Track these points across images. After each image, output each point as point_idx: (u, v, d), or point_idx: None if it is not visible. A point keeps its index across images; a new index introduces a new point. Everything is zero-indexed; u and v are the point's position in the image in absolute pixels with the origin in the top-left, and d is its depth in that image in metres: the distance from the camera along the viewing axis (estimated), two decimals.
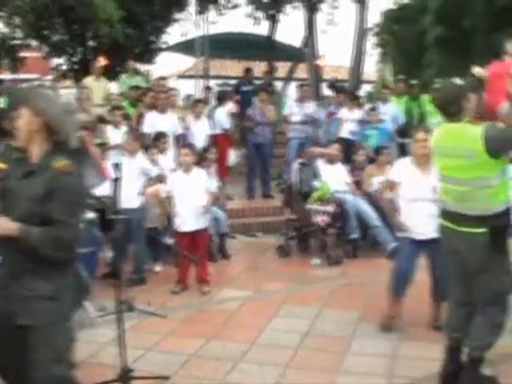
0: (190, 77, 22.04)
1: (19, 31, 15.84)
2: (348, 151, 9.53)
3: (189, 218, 6.96)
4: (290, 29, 23.23)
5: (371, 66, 25.03)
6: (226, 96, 12.08)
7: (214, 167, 8.60)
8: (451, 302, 4.63)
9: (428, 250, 5.59)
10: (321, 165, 8.75)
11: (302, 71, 21.82)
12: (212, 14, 19.37)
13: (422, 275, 5.71)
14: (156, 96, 10.26)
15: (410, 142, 5.81)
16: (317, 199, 8.15)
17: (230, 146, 11.19)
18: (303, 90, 11.64)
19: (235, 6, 19.91)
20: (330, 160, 8.80)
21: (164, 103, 9.92)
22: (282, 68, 21.58)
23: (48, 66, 18.46)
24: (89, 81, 11.63)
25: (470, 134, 4.13)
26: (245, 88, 13.83)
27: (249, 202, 11.09)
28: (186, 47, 20.19)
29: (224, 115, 11.17)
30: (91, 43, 15.87)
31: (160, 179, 7.73)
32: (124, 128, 8.87)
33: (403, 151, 9.81)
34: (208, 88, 13.90)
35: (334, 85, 14.45)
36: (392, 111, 11.17)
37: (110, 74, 13.51)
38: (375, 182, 8.15)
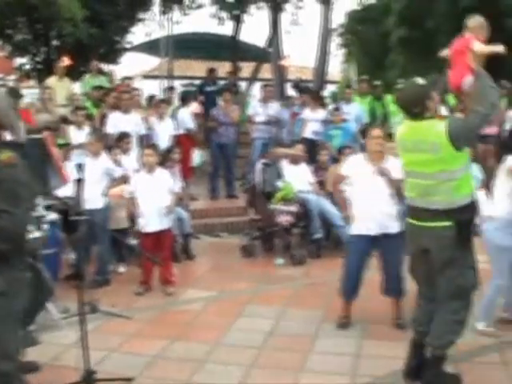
0: (155, 77, 21.95)
1: None
2: (312, 151, 9.58)
3: (152, 218, 6.94)
4: (254, 29, 23.35)
5: (335, 66, 25.27)
6: (189, 96, 12.07)
7: (177, 167, 8.59)
8: (420, 298, 4.68)
9: (379, 246, 5.65)
10: (285, 165, 8.79)
11: (266, 71, 21.88)
12: (176, 14, 19.42)
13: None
14: (119, 96, 10.19)
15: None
16: (280, 199, 8.20)
17: (193, 147, 11.16)
18: (267, 90, 11.67)
19: (199, 6, 19.96)
20: (294, 160, 8.83)
21: (128, 103, 9.83)
22: (247, 68, 21.60)
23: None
24: (52, 81, 11.54)
25: (434, 128, 4.20)
26: (209, 88, 13.81)
27: (213, 202, 11.08)
28: (151, 47, 20.16)
29: (187, 115, 11.14)
30: (55, 43, 15.78)
31: (124, 180, 7.69)
32: (87, 128, 8.85)
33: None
34: (171, 88, 13.84)
35: (298, 85, 14.48)
36: (355, 111, 11.26)
37: (74, 73, 13.41)
38: None
